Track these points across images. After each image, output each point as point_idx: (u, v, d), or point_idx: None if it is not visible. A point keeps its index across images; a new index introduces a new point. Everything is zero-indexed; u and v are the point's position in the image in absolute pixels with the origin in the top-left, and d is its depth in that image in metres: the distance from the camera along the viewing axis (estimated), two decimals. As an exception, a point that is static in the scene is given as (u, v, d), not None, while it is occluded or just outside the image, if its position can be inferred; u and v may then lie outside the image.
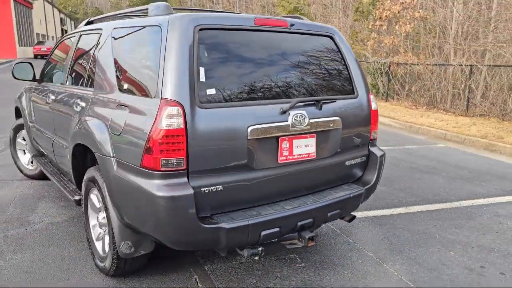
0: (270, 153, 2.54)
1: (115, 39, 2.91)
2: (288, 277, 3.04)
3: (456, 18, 12.48)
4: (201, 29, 2.36)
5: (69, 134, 3.32)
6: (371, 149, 3.14)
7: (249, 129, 2.40)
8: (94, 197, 3.06)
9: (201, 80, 2.30)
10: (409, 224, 4.06)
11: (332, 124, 2.78)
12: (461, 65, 10.61)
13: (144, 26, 2.60)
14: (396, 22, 12.45)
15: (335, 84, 2.97)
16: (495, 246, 3.63)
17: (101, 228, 3.03)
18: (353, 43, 15.18)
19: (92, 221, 3.16)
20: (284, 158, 2.60)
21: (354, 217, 3.11)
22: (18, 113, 5.37)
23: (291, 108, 2.55)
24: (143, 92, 2.41)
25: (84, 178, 3.07)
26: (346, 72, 3.02)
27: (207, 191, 2.30)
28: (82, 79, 3.36)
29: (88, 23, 3.82)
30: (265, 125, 2.46)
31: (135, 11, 3.11)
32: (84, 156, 3.23)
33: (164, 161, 2.18)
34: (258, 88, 2.55)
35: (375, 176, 3.09)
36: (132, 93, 2.53)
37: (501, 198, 4.93)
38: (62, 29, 63.61)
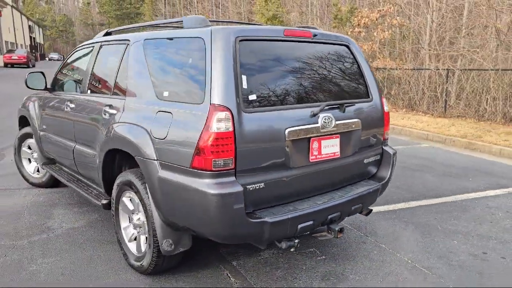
0: (302, 153, 2.77)
1: (148, 49, 3.07)
2: (313, 269, 3.26)
3: (430, 25, 13.12)
4: (240, 40, 2.58)
5: (96, 141, 3.45)
6: (385, 148, 3.42)
7: (287, 131, 2.63)
8: (126, 200, 3.20)
9: (243, 87, 2.50)
10: (412, 217, 4.36)
11: (353, 126, 3.04)
12: (438, 69, 11.18)
13: (183, 38, 2.78)
14: (375, 29, 12.96)
15: (352, 88, 3.23)
16: (492, 235, 3.97)
17: (135, 229, 3.17)
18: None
19: (123, 223, 3.30)
20: (314, 157, 2.83)
21: (371, 211, 3.37)
22: (22, 122, 5.40)
23: (321, 111, 2.79)
24: (189, 99, 2.59)
25: (117, 182, 3.20)
26: (361, 77, 3.28)
27: (251, 188, 2.50)
28: (109, 88, 3.49)
29: (107, 34, 3.96)
30: (299, 127, 2.69)
31: (165, 23, 3.28)
32: (113, 162, 3.37)
33: (215, 162, 2.37)
34: (290, 93, 2.79)
35: (389, 173, 3.36)
36: (174, 100, 2.70)
37: (489, 192, 5.32)
38: (30, 37, 62.03)
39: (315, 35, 3.03)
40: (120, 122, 3.09)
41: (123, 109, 3.15)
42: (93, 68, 3.81)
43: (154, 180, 2.69)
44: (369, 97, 3.28)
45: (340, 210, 2.92)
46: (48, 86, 4.55)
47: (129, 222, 3.27)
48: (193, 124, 2.46)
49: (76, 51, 4.38)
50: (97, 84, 3.74)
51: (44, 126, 4.62)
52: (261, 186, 2.55)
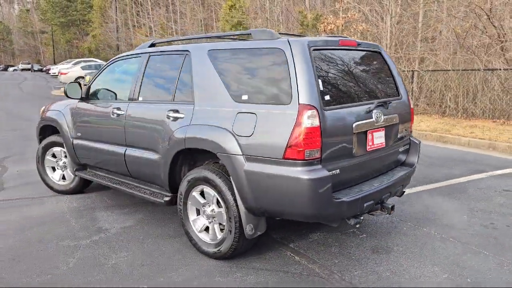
0: (362, 143, 3.29)
1: (216, 59, 3.45)
2: (360, 245, 3.77)
3: (390, 30, 14.21)
4: (313, 49, 3.06)
5: (158, 143, 3.76)
6: (411, 138, 4.02)
7: (354, 125, 3.14)
8: (196, 194, 3.56)
9: (320, 88, 2.98)
10: (421, 200, 5.01)
11: (394, 120, 3.61)
12: (404, 70, 12.22)
13: (259, 48, 3.21)
14: (341, 34, 13.83)
15: (387, 88, 3.80)
16: (491, 210, 4.69)
17: (208, 219, 3.53)
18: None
19: (192, 216, 3.65)
20: (369, 147, 3.36)
21: (404, 192, 3.95)
22: (43, 132, 5.52)
23: (375, 108, 3.33)
24: (274, 100, 3.02)
25: (187, 178, 3.55)
26: (392, 78, 3.87)
27: (331, 174, 2.97)
28: (168, 95, 3.81)
29: (152, 45, 4.28)
30: (362, 121, 3.21)
31: (232, 35, 3.68)
32: (176, 161, 3.71)
33: (307, 152, 2.83)
34: (349, 93, 3.30)
35: (416, 159, 3.96)
36: (256, 102, 3.11)
37: (474, 176, 6.12)
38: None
39: (359, 44, 3.56)
40: (193, 125, 3.44)
41: (192, 113, 3.50)
42: (143, 77, 4.11)
43: (240, 172, 3.09)
44: (399, 95, 3.86)
45: (390, 191, 3.47)
46: (83, 96, 4.77)
47: (198, 214, 3.63)
48: (283, 122, 2.90)
49: (114, 62, 4.64)
50: (152, 92, 4.05)
51: (79, 134, 4.82)
52: (337, 172, 3.04)
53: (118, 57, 4.64)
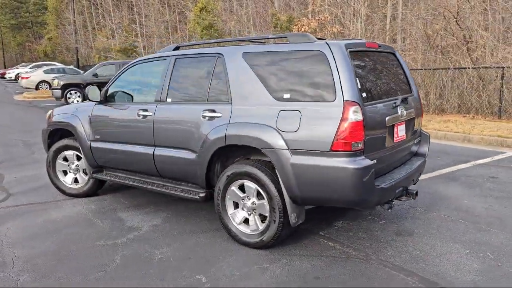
0: (391, 136, 3.63)
1: (252, 61, 3.67)
2: (384, 229, 4.12)
3: (361, 31, 14.86)
4: (350, 51, 3.36)
5: (194, 141, 3.92)
6: (422, 131, 4.42)
7: (387, 118, 3.47)
8: (235, 188, 3.77)
9: (358, 86, 3.29)
10: (421, 188, 5.40)
11: (412, 114, 3.98)
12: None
13: (298, 51, 3.47)
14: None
15: (402, 85, 4.17)
16: (485, 194, 5.19)
17: (248, 212, 3.75)
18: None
19: (230, 210, 3.85)
20: (396, 139, 3.71)
21: (418, 179, 4.34)
22: (51, 136, 5.51)
23: (400, 103, 3.68)
24: (318, 98, 3.29)
25: (227, 174, 3.75)
26: (405, 76, 4.25)
27: (373, 163, 3.28)
28: (201, 95, 3.99)
29: (176, 48, 4.44)
30: (392, 115, 3.55)
31: (257, 39, 3.91)
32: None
33: (354, 144, 3.12)
34: (378, 90, 3.64)
35: (427, 150, 4.37)
36: (299, 100, 3.37)
37: (460, 166, 6.67)
38: None
39: (379, 46, 3.91)
40: (234, 123, 3.65)
41: (230, 112, 3.71)
42: (170, 79, 4.26)
43: (287, 165, 3.34)
44: (411, 92, 4.25)
45: (412, 178, 3.84)
46: (101, 99, 4.84)
47: (235, 208, 3.84)
48: (329, 117, 3.18)
49: (134, 65, 4.74)
50: (182, 93, 4.20)
51: (98, 136, 4.88)
52: (375, 162, 3.35)
53: (139, 61, 4.75)
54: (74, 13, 41.35)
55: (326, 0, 15.46)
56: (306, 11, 16.82)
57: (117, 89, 4.84)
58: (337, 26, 13.91)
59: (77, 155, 5.36)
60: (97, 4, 43.44)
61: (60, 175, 5.48)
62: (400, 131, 3.78)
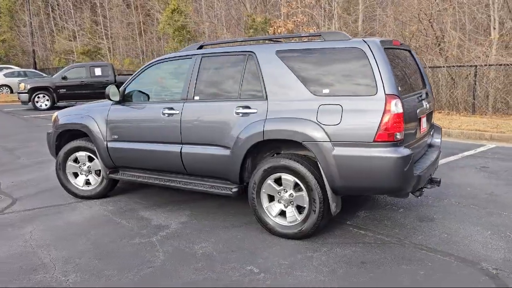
0: (418, 127, 3.88)
1: (287, 58, 3.81)
2: (406, 216, 4.36)
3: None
4: (385, 48, 3.58)
5: (227, 138, 4.00)
6: (434, 123, 4.72)
7: (418, 110, 3.72)
8: (271, 182, 3.89)
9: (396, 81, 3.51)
10: (425, 179, 5.78)
11: (431, 107, 4.26)
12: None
13: (335, 48, 3.64)
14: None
15: (419, 80, 4.45)
16: (483, 182, 5.58)
17: (284, 204, 3.87)
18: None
19: (265, 203, 3.97)
20: (421, 130, 3.97)
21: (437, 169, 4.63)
22: (59, 138, 5.40)
23: (425, 96, 3.95)
24: (359, 92, 3.47)
25: (263, 168, 3.85)
26: (420, 72, 4.53)
27: (412, 152, 3.51)
28: (232, 92, 4.08)
29: (200, 47, 4.51)
30: (421, 108, 3.81)
31: (303, 36, 4.08)
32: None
33: (396, 135, 3.33)
34: (405, 84, 3.88)
35: (440, 140, 4.67)
36: (339, 95, 3.54)
37: (450, 158, 7.07)
38: None
39: (401, 44, 4.17)
40: (271, 118, 3.77)
41: (267, 108, 3.83)
42: (197, 77, 4.31)
43: (329, 157, 3.50)
44: (426, 87, 4.54)
45: (435, 167, 4.11)
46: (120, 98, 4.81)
47: (271, 201, 3.96)
48: (372, 110, 3.37)
49: (153, 65, 4.74)
50: (211, 91, 4.26)
51: (116, 136, 4.84)
52: (413, 151, 3.58)
53: (158, 60, 4.76)
54: (30, 14, 39.68)
55: (300, 1, 15.82)
56: (280, 13, 17.14)
57: (135, 89, 4.82)
58: (313, 28, 14.29)
59: (89, 156, 5.28)
60: (55, 5, 41.92)
61: (71, 178, 5.37)
62: (423, 123, 4.04)
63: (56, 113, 5.61)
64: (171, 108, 4.40)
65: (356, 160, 3.44)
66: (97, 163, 5.22)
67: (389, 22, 13.15)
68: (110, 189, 5.35)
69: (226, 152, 4.05)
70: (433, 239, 3.82)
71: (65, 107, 7.20)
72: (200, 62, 4.34)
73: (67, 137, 5.46)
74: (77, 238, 4.08)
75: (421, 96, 3.93)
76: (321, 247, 3.73)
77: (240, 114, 3.96)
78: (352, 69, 3.58)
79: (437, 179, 4.05)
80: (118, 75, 17.70)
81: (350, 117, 3.46)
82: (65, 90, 16.46)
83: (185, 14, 19.08)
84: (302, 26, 14.68)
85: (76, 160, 5.35)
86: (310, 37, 4.21)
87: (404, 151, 3.38)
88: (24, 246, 3.92)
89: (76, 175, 5.38)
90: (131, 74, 6.82)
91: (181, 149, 4.36)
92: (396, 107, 3.35)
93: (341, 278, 3.20)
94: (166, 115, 4.42)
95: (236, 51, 4.19)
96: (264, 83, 3.90)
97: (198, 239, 3.98)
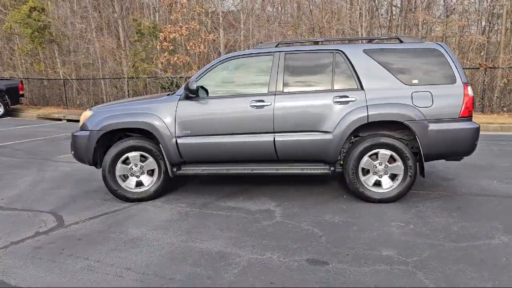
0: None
1: (376, 56, 4.67)
2: (426, 200, 5.67)
3: (223, 41, 16.29)
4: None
5: (326, 124, 4.61)
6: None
7: (463, 96, 5.09)
8: (367, 158, 4.69)
9: (463, 73, 4.78)
10: (437, 172, 7.27)
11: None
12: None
13: (417, 48, 4.67)
14: (188, 43, 14.86)
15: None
16: (490, 176, 6.36)
17: (379, 174, 4.71)
18: (136, 62, 16.35)
19: (362, 177, 4.72)
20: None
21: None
22: (102, 140, 5.00)
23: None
24: (443, 81, 4.57)
25: (364, 146, 4.62)
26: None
27: (478, 125, 4.81)
28: (325, 84, 4.71)
29: (278, 45, 4.96)
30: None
31: (380, 38, 4.90)
32: None
33: (471, 112, 4.58)
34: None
35: None
36: (427, 84, 4.58)
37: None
38: None
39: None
40: (373, 105, 4.56)
41: (365, 96, 4.62)
42: (284, 72, 4.78)
43: (426, 132, 4.53)
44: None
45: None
46: (191, 95, 4.84)
47: (366, 174, 4.74)
48: (455, 94, 4.54)
49: (226, 61, 4.94)
50: (301, 83, 4.78)
51: (188, 131, 4.84)
52: (466, 125, 4.89)
53: (231, 57, 4.95)
54: None
55: (191, 9, 16.22)
56: (168, 18, 17.16)
57: (210, 84, 4.92)
58: (210, 35, 14.84)
59: (141, 156, 5.03)
60: None
61: (120, 180, 5.01)
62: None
63: (89, 112, 5.12)
64: (261, 101, 4.73)
65: (447, 132, 4.57)
66: (151, 163, 5.03)
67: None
68: (163, 189, 5.18)
69: (327, 136, 4.66)
70: (481, 217, 4.28)
71: None
72: (284, 58, 4.81)
73: (107, 138, 5.08)
74: (218, 238, 4.08)
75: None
76: (415, 204, 4.71)
77: (339, 103, 4.65)
78: (433, 64, 4.69)
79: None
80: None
81: (439, 100, 4.57)
82: None
83: (46, 13, 16.93)
84: (200, 33, 15.10)
85: (125, 162, 5.02)
86: (388, 39, 5.16)
87: (476, 124, 4.68)
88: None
89: (125, 177, 5.05)
90: None
91: (274, 137, 4.73)
92: (470, 91, 4.61)
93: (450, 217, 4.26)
94: (255, 107, 4.72)
95: (323, 49, 4.83)
96: (357, 76, 4.68)
97: (315, 214, 4.46)
